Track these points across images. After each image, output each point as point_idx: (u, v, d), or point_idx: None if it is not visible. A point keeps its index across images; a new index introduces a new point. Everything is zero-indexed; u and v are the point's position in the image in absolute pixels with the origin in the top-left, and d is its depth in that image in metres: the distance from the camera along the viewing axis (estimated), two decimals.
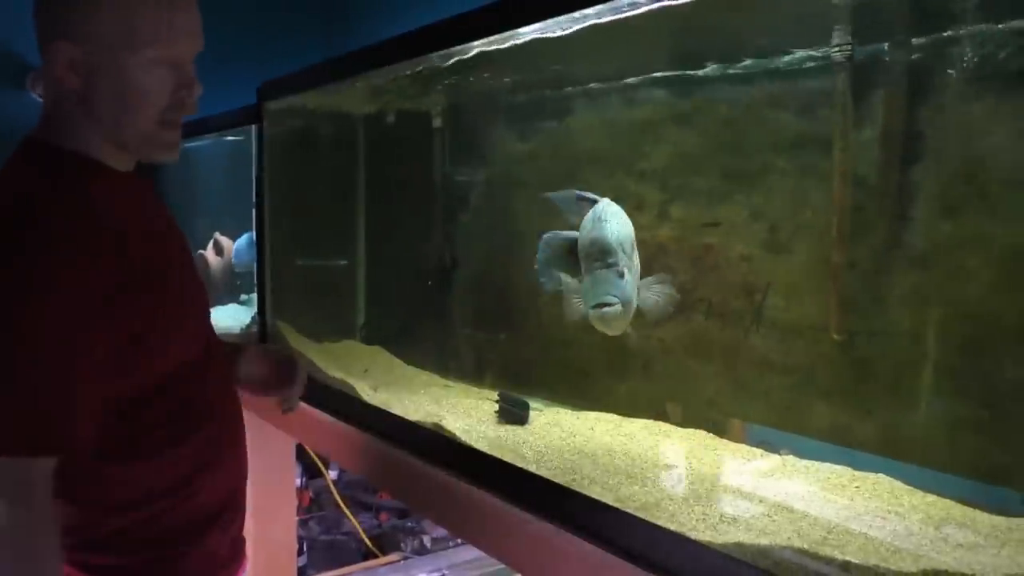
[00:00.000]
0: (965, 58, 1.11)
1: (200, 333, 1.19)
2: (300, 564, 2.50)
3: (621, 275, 1.25)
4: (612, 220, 1.30)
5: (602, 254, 1.27)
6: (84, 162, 1.08)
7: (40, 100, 3.03)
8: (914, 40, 1.18)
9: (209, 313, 1.26)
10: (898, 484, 1.11)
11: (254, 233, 2.52)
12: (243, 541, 1.28)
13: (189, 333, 1.15)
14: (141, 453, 1.08)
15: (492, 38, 1.32)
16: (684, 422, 1.39)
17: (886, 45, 1.22)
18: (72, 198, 1.03)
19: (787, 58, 1.31)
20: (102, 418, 1.03)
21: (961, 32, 1.11)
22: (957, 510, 1.02)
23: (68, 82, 1.05)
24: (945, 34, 1.14)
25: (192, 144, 2.88)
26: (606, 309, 1.24)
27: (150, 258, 1.08)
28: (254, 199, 2.14)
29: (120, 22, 1.02)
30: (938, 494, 1.07)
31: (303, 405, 1.80)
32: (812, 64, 1.29)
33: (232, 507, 1.21)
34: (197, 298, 1.21)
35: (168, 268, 1.13)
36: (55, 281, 0.95)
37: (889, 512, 1.02)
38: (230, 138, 2.59)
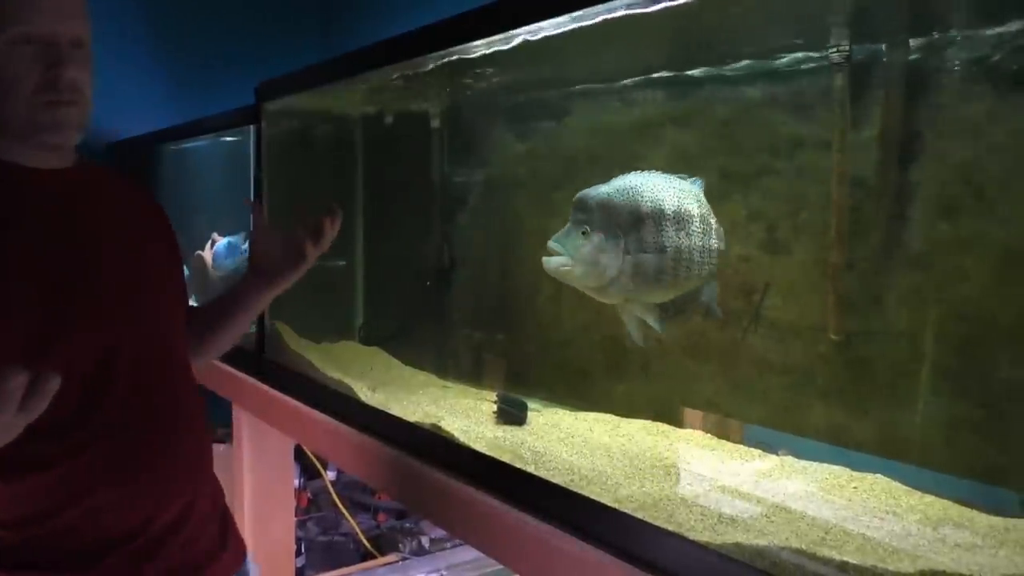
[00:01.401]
0: (962, 59, 1.11)
1: (121, 347, 1.10)
2: (298, 565, 2.50)
3: (586, 233, 1.21)
4: (617, 183, 1.24)
5: (576, 209, 1.23)
6: None
7: None
8: (912, 41, 1.18)
9: (162, 325, 1.19)
10: (896, 484, 1.11)
11: (239, 237, 2.54)
12: (190, 569, 1.18)
13: (95, 348, 1.08)
14: (11, 467, 1.02)
15: (490, 39, 1.32)
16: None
17: (884, 46, 1.22)
18: None
19: (785, 59, 1.32)
20: None
21: (959, 33, 1.12)
22: (954, 510, 1.02)
23: None
24: (943, 35, 1.14)
25: (191, 144, 2.89)
26: (545, 259, 1.22)
27: (44, 262, 1.05)
28: (252, 199, 2.14)
29: None
30: (936, 494, 1.07)
31: (301, 406, 1.80)
32: (810, 65, 1.29)
33: (151, 535, 1.12)
34: (127, 309, 1.13)
35: (73, 276, 1.08)
36: None
37: (887, 512, 1.02)
38: (228, 138, 2.60)
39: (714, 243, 1.25)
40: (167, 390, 1.18)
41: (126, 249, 1.17)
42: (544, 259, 1.23)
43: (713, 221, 1.26)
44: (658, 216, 1.21)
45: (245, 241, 2.57)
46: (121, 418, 1.10)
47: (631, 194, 1.22)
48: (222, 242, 2.58)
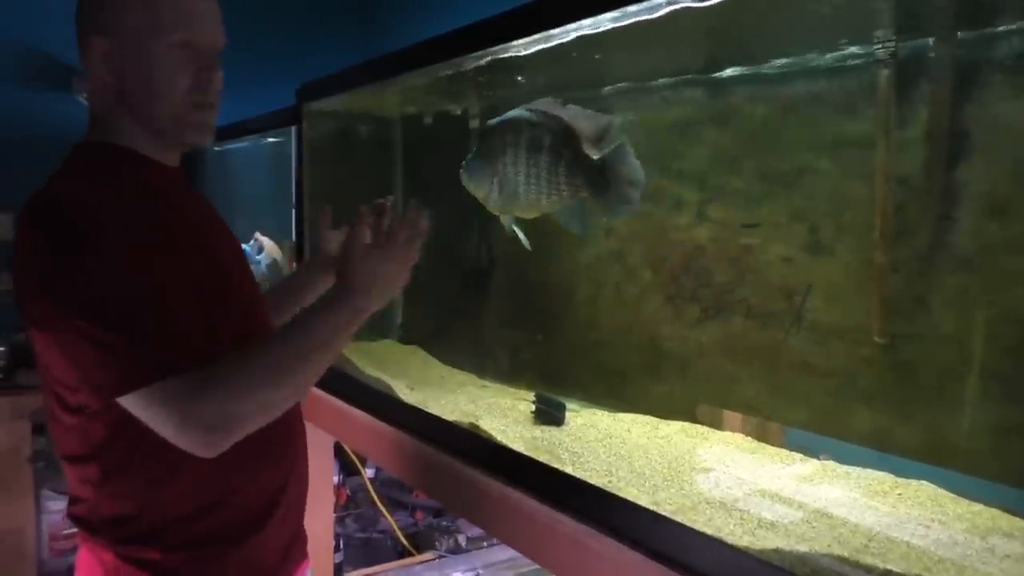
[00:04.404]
0: (1012, 53, 1.08)
1: (236, 327, 1.18)
2: (337, 561, 2.53)
3: (477, 156, 1.47)
4: (503, 116, 1.45)
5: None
6: (124, 152, 1.14)
7: (85, 103, 3.11)
8: (960, 35, 1.15)
9: (255, 309, 1.27)
10: (942, 492, 1.09)
11: (251, 246, 2.58)
12: (302, 542, 1.29)
13: (221, 325, 1.15)
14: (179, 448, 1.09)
15: (529, 38, 1.32)
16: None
17: (931, 41, 1.19)
18: (112, 179, 1.09)
19: (829, 55, 1.29)
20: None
21: (1009, 27, 1.08)
22: (1004, 520, 1.00)
23: (105, 77, 1.12)
24: (992, 29, 1.11)
25: (234, 146, 2.93)
26: (461, 170, 1.50)
27: (193, 249, 1.13)
28: (294, 199, 2.17)
29: (145, 11, 1.09)
30: (984, 503, 1.04)
31: (341, 404, 1.82)
32: (855, 61, 1.26)
33: (283, 507, 1.21)
34: (235, 291, 1.21)
35: (216, 264, 1.17)
36: (113, 236, 1.01)
37: (932, 520, 1.00)
38: (270, 139, 2.63)
39: (562, 175, 1.42)
40: None
41: (230, 247, 1.27)
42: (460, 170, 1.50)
43: (570, 152, 1.41)
44: (515, 147, 1.43)
45: (259, 252, 2.63)
46: None
47: (501, 127, 1.45)
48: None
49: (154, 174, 1.16)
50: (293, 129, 2.16)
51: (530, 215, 1.50)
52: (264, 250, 2.64)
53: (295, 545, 1.26)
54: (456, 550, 2.62)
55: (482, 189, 1.49)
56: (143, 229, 1.05)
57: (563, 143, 1.41)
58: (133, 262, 1.01)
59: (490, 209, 1.52)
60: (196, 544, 1.12)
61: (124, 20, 1.09)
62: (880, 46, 1.20)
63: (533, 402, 1.52)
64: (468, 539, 2.64)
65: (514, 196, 1.46)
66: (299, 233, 2.17)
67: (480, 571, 2.45)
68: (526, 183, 1.44)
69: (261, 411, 1.03)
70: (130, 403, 0.99)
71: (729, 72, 1.45)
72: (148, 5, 1.09)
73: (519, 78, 1.70)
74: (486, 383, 1.85)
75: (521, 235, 1.54)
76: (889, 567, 0.86)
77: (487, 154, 1.46)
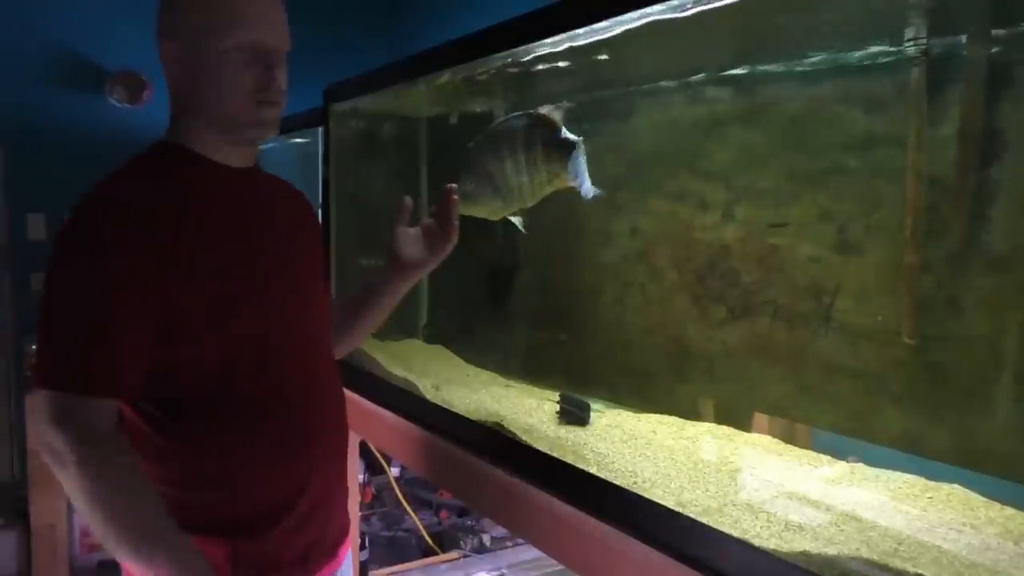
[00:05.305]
0: None
1: (280, 331, 1.20)
2: (362, 559, 2.54)
3: (470, 177, 1.53)
4: (481, 135, 1.51)
5: None
6: (181, 152, 1.18)
7: (118, 105, 3.16)
8: (994, 32, 1.13)
9: (302, 320, 1.27)
10: (974, 495, 1.07)
11: None
12: (330, 546, 1.28)
13: (260, 329, 1.18)
14: (188, 435, 1.14)
15: (555, 38, 1.31)
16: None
17: (964, 38, 1.17)
18: (152, 178, 1.13)
19: (858, 53, 1.28)
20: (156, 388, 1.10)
21: None
22: None
23: (173, 78, 1.17)
24: None
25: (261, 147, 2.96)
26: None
27: (225, 246, 1.15)
28: (320, 200, 2.18)
29: (201, 14, 1.13)
30: (1017, 507, 1.03)
31: (367, 403, 1.83)
32: (885, 59, 1.25)
33: (302, 509, 1.21)
34: (286, 297, 1.23)
35: (246, 263, 1.18)
36: (111, 243, 1.05)
37: (964, 524, 0.98)
38: (297, 140, 2.65)
39: (524, 178, 1.49)
40: (313, 376, 1.27)
41: (287, 247, 1.28)
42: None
43: (524, 159, 1.48)
44: (506, 152, 1.49)
45: None
46: (272, 396, 1.19)
47: (484, 142, 1.52)
48: None
49: (207, 174, 1.18)
50: (320, 130, 2.18)
51: (527, 206, 1.55)
52: None
53: (320, 548, 1.26)
54: (480, 549, 2.63)
55: (486, 206, 1.53)
56: (159, 238, 1.08)
57: (540, 131, 1.46)
58: (105, 278, 1.05)
59: (493, 219, 1.55)
60: (203, 529, 1.14)
61: (186, 23, 1.14)
62: (912, 43, 1.18)
63: (558, 402, 1.52)
64: (492, 539, 2.65)
65: (514, 199, 1.51)
66: (325, 233, 2.18)
67: (504, 571, 2.45)
68: (518, 182, 1.49)
69: (78, 495, 1.04)
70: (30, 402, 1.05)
71: (757, 70, 1.44)
72: (204, 8, 1.13)
73: (546, 77, 1.69)
74: (511, 383, 1.85)
75: (515, 220, 1.58)
76: (920, 571, 0.85)
77: (479, 173, 1.51)
